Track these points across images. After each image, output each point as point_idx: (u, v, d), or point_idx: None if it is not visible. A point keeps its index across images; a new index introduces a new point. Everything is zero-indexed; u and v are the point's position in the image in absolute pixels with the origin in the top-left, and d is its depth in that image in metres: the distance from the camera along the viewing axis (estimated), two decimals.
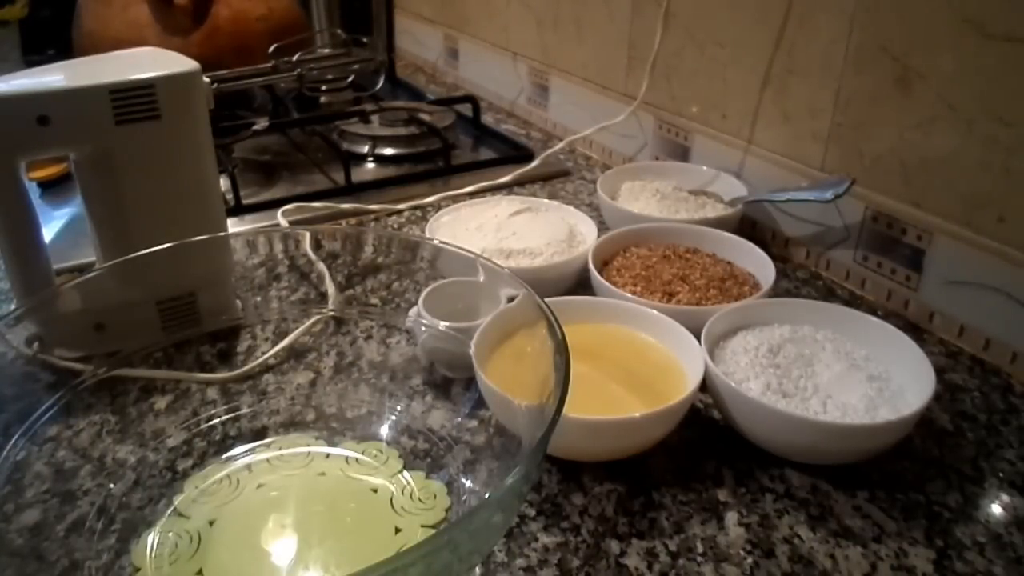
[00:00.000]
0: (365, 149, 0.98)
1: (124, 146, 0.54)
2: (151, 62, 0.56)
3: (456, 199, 0.85)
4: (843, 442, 0.46)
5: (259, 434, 0.50)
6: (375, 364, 0.56)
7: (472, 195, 0.85)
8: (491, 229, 0.69)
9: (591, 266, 0.62)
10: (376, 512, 0.44)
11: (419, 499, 0.45)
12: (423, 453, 0.49)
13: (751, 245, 0.65)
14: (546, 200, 0.76)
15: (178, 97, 0.55)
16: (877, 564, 0.42)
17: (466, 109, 1.10)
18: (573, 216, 0.73)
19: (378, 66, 1.14)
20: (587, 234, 0.69)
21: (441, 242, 0.56)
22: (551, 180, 0.93)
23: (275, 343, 0.58)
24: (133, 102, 0.53)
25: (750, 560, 0.42)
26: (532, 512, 0.45)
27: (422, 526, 0.43)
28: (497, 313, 0.50)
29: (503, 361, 0.49)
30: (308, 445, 0.49)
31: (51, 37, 1.44)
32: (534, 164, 0.94)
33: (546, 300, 0.42)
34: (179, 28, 1.03)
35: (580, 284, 0.64)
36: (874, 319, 0.54)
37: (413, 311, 0.55)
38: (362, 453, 0.49)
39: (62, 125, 0.51)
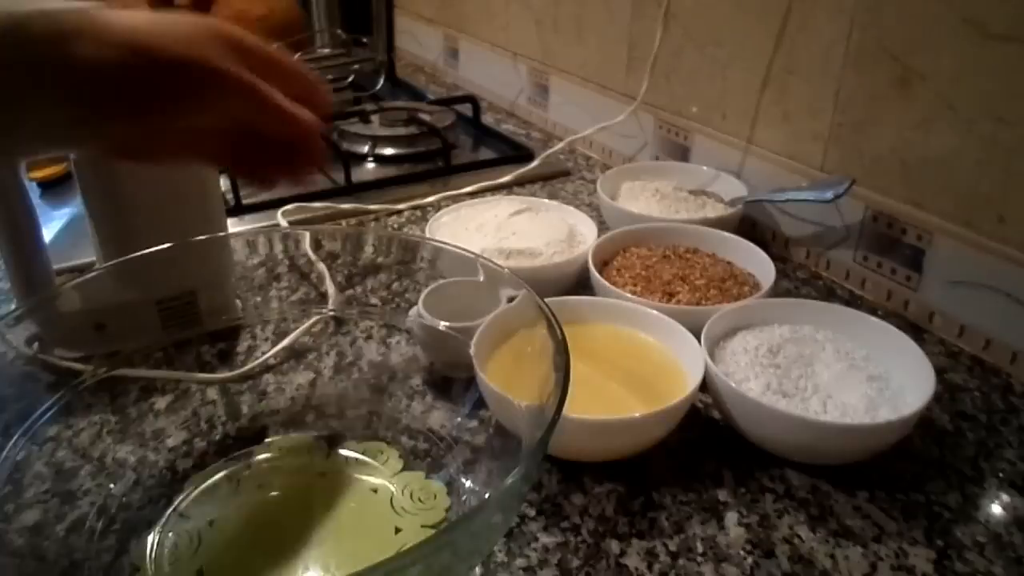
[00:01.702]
0: (365, 149, 0.98)
1: None
2: None
3: (456, 199, 0.85)
4: (843, 442, 0.46)
5: (259, 434, 0.50)
6: (375, 364, 0.56)
7: (472, 195, 0.85)
8: (491, 229, 0.69)
9: (591, 266, 0.62)
10: (376, 512, 0.44)
11: (419, 499, 0.45)
12: (423, 453, 0.49)
13: (751, 245, 0.65)
14: (546, 200, 0.76)
15: None
16: (877, 564, 0.42)
17: (466, 109, 1.10)
18: (573, 216, 0.73)
19: (378, 66, 1.14)
20: (587, 234, 0.69)
21: (441, 242, 0.56)
22: (551, 180, 0.93)
23: (275, 343, 0.58)
24: None
25: (750, 560, 0.42)
26: (532, 512, 0.45)
27: (422, 526, 0.43)
28: (497, 313, 0.50)
29: (503, 361, 0.49)
30: (308, 445, 0.49)
31: None
32: (534, 164, 0.94)
33: (546, 300, 0.42)
34: None
35: (580, 284, 0.64)
36: (874, 319, 0.54)
37: (413, 311, 0.55)
38: (362, 453, 0.48)
39: None
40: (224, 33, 0.39)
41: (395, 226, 0.82)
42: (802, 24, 0.70)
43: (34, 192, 0.83)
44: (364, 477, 0.47)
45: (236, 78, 0.38)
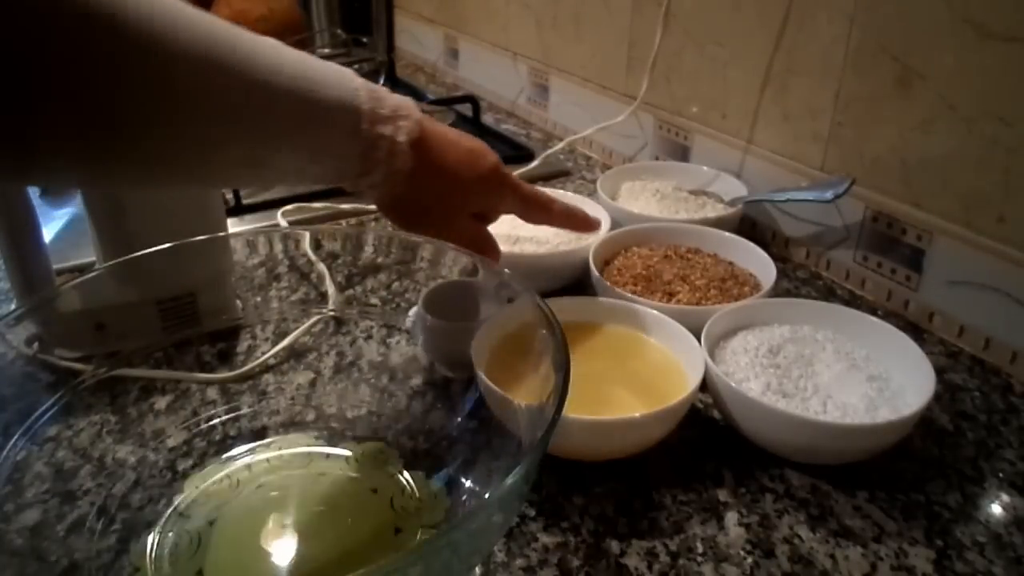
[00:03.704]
0: None
1: None
2: None
3: None
4: (843, 442, 0.46)
5: (259, 434, 0.50)
6: (375, 364, 0.56)
7: None
8: (509, 216, 0.69)
9: (592, 266, 0.62)
10: (376, 512, 0.44)
11: (419, 499, 0.45)
12: (423, 453, 0.49)
13: (752, 245, 0.65)
14: (571, 193, 0.77)
15: None
16: (877, 564, 0.42)
17: (466, 109, 1.10)
18: (594, 210, 0.73)
19: (378, 66, 1.14)
20: (602, 227, 0.70)
21: (441, 241, 0.56)
22: (551, 180, 0.93)
23: (275, 343, 0.58)
24: None
25: (750, 560, 0.42)
26: (532, 512, 0.45)
27: (422, 526, 0.43)
28: (497, 313, 0.50)
29: (503, 361, 0.49)
30: (308, 445, 0.49)
31: None
32: (534, 164, 0.94)
33: (546, 300, 0.42)
34: None
35: (586, 276, 0.64)
36: (874, 319, 0.54)
37: (413, 311, 0.55)
38: (362, 453, 0.48)
39: None
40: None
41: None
42: (802, 24, 0.70)
43: (34, 192, 0.83)
44: (364, 477, 0.47)
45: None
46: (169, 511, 0.44)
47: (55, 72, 0.32)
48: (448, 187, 0.49)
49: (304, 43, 1.12)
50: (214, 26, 0.37)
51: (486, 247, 0.54)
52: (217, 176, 0.43)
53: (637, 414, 0.45)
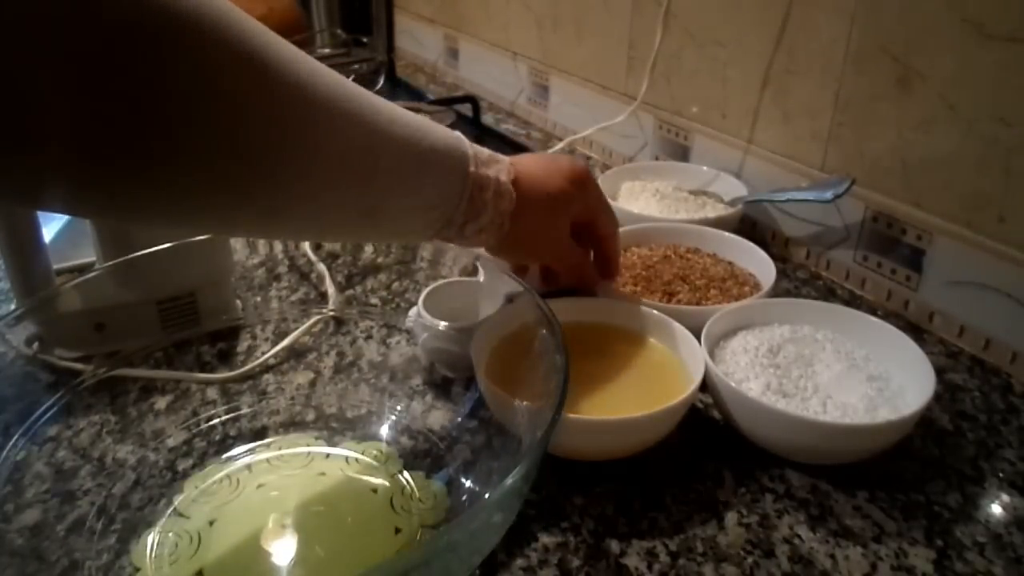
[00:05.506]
0: None
1: None
2: None
3: None
4: (843, 442, 0.46)
5: (259, 434, 0.50)
6: (375, 364, 0.56)
7: None
8: None
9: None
10: (376, 512, 0.44)
11: (419, 499, 0.45)
12: (423, 453, 0.49)
13: (752, 245, 0.65)
14: None
15: None
16: (877, 564, 0.42)
17: (466, 109, 1.10)
18: None
19: (378, 66, 1.14)
20: None
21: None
22: None
23: (275, 343, 0.58)
24: None
25: (750, 560, 0.42)
26: (532, 512, 0.45)
27: (422, 526, 0.43)
28: (497, 313, 0.50)
29: (503, 361, 0.49)
30: (308, 445, 0.49)
31: None
32: None
33: (546, 300, 0.42)
34: None
35: None
36: (874, 319, 0.54)
37: (413, 311, 0.55)
38: (362, 453, 0.48)
39: None
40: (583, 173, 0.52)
41: None
42: (802, 24, 0.70)
43: None
44: (364, 477, 0.47)
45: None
46: (169, 511, 0.44)
47: (196, 114, 0.31)
48: (545, 207, 0.49)
49: (304, 43, 1.12)
50: (335, 74, 0.37)
51: (587, 276, 0.56)
52: (325, 225, 0.42)
53: (637, 414, 0.45)
